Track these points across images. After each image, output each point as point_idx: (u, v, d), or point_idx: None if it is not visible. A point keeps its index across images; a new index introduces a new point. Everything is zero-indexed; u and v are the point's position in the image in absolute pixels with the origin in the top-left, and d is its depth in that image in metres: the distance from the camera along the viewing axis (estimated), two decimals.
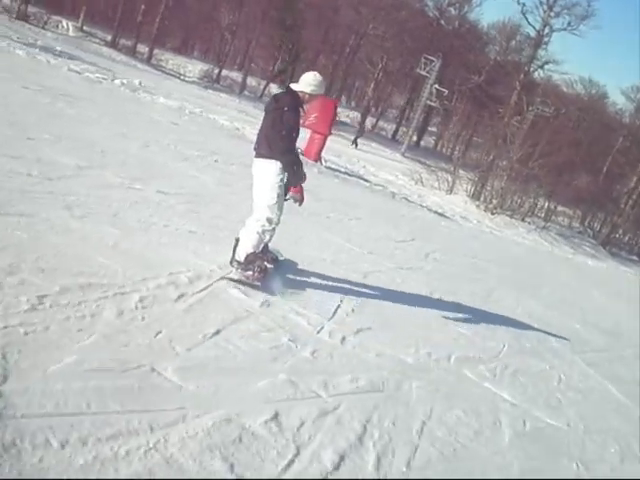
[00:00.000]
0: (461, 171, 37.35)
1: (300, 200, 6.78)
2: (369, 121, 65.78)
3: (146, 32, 57.75)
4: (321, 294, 7.21)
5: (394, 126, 70.22)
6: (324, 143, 22.15)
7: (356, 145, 45.16)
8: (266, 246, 6.90)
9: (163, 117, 18.79)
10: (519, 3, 56.83)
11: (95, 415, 3.62)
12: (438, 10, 68.48)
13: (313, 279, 7.66)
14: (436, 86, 57.98)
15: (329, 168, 22.31)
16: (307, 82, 6.63)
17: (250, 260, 6.61)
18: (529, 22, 57.72)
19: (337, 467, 4.02)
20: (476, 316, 8.90)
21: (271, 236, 6.73)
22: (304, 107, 6.75)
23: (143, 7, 55.58)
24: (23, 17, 44.75)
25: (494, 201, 33.91)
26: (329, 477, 3.94)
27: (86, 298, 4.91)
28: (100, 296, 5.02)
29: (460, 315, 8.57)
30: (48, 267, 5.20)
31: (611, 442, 6.40)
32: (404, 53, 62.74)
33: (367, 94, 67.98)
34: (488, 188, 35.31)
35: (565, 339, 9.71)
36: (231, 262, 6.73)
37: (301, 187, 6.75)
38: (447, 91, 59.78)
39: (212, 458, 3.65)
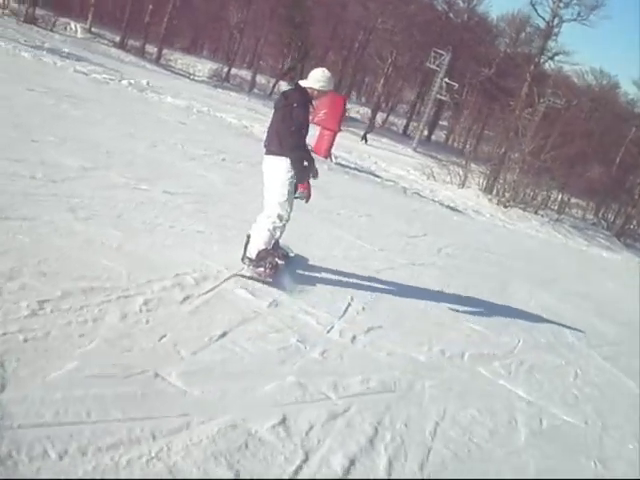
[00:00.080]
0: (473, 165, 37.21)
1: (307, 197, 6.80)
2: (379, 116, 65.66)
3: (154, 32, 57.73)
4: (331, 292, 7.08)
5: (405, 121, 70.02)
6: (334, 139, 22.01)
7: (366, 141, 45.01)
8: (277, 242, 6.94)
9: (170, 117, 18.68)
10: None
11: (95, 424, 3.51)
12: (447, 3, 68.38)
13: (323, 277, 7.54)
14: (446, 80, 57.81)
15: (339, 164, 22.18)
16: (316, 78, 6.64)
17: (261, 257, 6.63)
18: (538, 13, 57.37)
19: (347, 472, 3.89)
20: (490, 311, 8.77)
21: (282, 232, 6.77)
22: (313, 103, 6.76)
23: (151, 7, 55.56)
24: (31, 20, 44.81)
25: (507, 194, 33.71)
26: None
27: (88, 302, 4.79)
28: (103, 300, 4.91)
29: (473, 311, 8.43)
30: (50, 271, 5.09)
31: (629, 438, 6.25)
32: (413, 47, 62.42)
33: (377, 89, 67.80)
34: (500, 181, 35.11)
35: (580, 333, 9.57)
36: (243, 259, 6.74)
37: (308, 184, 6.77)
38: (457, 85, 59.60)
39: (217, 466, 3.53)
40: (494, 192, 34.53)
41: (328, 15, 63.91)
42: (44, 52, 28.05)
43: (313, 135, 18.28)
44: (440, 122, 74.73)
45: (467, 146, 59.26)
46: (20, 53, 23.05)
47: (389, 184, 23.22)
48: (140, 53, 53.74)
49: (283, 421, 4.15)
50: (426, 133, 66.02)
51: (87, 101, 15.73)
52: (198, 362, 4.54)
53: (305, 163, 6.60)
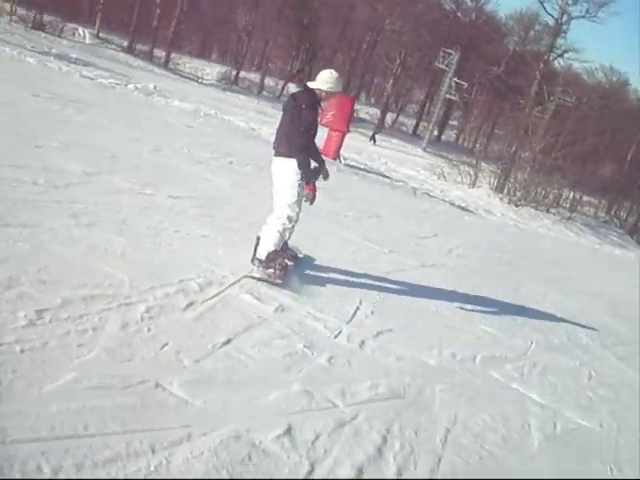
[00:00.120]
0: (483, 164, 36.99)
1: (311, 199, 6.78)
2: (389, 117, 65.58)
3: (162, 37, 57.89)
4: (339, 295, 6.96)
5: (414, 121, 69.88)
6: (342, 140, 21.86)
7: (374, 141, 44.87)
8: (286, 243, 7.00)
9: (177, 120, 18.57)
10: None
11: (93, 437, 3.40)
12: (455, 2, 68.28)
13: (331, 280, 7.42)
14: (455, 79, 57.60)
15: (348, 165, 22.03)
16: (324, 80, 6.67)
17: (271, 258, 6.66)
18: (547, 11, 57.15)
19: None
20: (502, 312, 8.64)
21: (290, 233, 6.80)
22: (322, 105, 6.81)
23: (158, 12, 55.64)
24: (39, 26, 44.94)
25: (518, 193, 33.53)
26: None
27: (89, 311, 4.69)
28: (104, 308, 4.81)
29: (485, 312, 8.30)
30: (50, 279, 4.99)
31: None
32: (422, 47, 62.29)
33: (386, 90, 67.69)
34: (511, 180, 34.94)
35: (594, 333, 9.42)
36: (252, 260, 6.76)
37: (314, 185, 6.74)
38: (466, 84, 59.41)
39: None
40: (505, 191, 34.36)
41: (336, 16, 63.94)
42: (51, 58, 28.04)
43: (321, 136, 18.13)
44: (450, 122, 74.54)
45: (477, 145, 59.04)
46: (25, 59, 22.96)
47: (399, 185, 23.05)
48: (148, 57, 53.79)
49: (288, 431, 4.03)
50: (436, 133, 65.83)
51: (92, 106, 15.64)
52: (201, 371, 4.43)
53: (312, 165, 6.61)
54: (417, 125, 68.59)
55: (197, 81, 53.00)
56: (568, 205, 37.52)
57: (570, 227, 32.02)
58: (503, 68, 62.71)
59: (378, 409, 4.73)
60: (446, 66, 57.00)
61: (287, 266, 6.88)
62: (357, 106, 51.75)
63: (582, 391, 6.82)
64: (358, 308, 6.73)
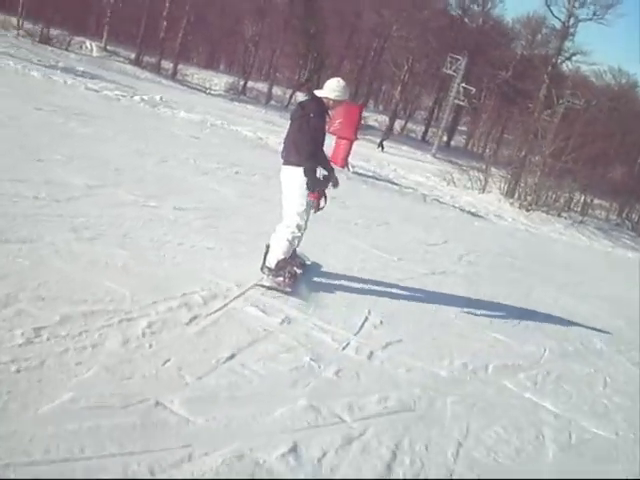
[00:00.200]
0: (493, 169, 36.84)
1: (315, 207, 6.69)
2: (398, 124, 65.51)
3: (170, 48, 58.05)
4: (347, 306, 6.83)
5: (423, 128, 69.78)
6: (350, 148, 21.78)
7: (382, 148, 44.75)
8: (294, 251, 6.99)
9: (183, 131, 18.48)
10: None
11: (89, 460, 3.28)
12: (461, 8, 68.32)
13: (339, 290, 7.29)
14: (463, 85, 57.46)
15: (356, 173, 21.93)
16: (331, 88, 6.71)
17: (281, 266, 6.67)
18: (554, 14, 57.00)
19: None
20: (514, 319, 8.47)
21: (299, 241, 6.83)
22: (330, 113, 6.85)
23: (165, 23, 55.80)
24: (46, 40, 45.12)
25: (528, 198, 33.37)
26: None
27: (88, 327, 4.58)
28: (104, 324, 4.69)
29: (497, 319, 8.16)
30: (49, 295, 4.88)
31: None
32: (429, 53, 62.30)
33: (394, 97, 67.62)
34: (522, 185, 34.79)
35: (609, 338, 9.24)
36: (262, 268, 6.76)
37: (320, 194, 6.67)
38: (475, 89, 59.24)
39: None
40: (516, 196, 34.21)
41: (343, 24, 63.99)
42: (57, 71, 28.01)
43: (329, 145, 18.03)
44: (459, 127, 74.42)
45: (487, 150, 58.79)
46: (29, 72, 22.91)
47: (408, 191, 22.94)
48: (156, 69, 53.94)
49: (294, 449, 3.90)
50: (445, 139, 65.74)
51: (97, 118, 15.58)
52: (203, 387, 4.31)
53: (322, 173, 6.69)
54: (426, 131, 68.51)
55: (205, 92, 53.08)
56: (579, 209, 37.31)
57: (582, 231, 31.82)
58: (511, 72, 62.55)
59: (387, 423, 4.59)
60: (454, 72, 56.90)
61: (296, 274, 6.88)
62: (365, 113, 51.74)
63: (597, 399, 6.65)
64: (367, 318, 6.59)
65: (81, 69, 33.00)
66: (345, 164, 21.42)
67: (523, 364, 6.83)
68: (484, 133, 73.21)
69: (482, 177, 35.49)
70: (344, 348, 5.68)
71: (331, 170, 6.91)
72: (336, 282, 7.53)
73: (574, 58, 60.24)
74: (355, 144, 22.64)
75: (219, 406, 4.13)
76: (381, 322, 6.62)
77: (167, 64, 56.80)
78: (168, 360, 4.47)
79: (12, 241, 5.73)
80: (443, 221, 18.00)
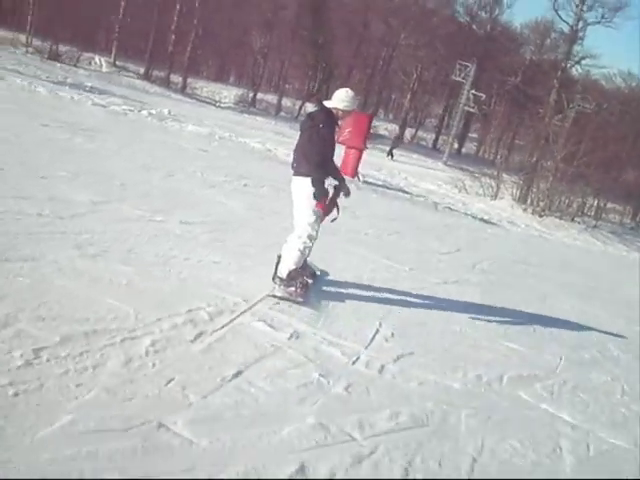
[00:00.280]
0: (505, 175, 36.67)
1: (321, 217, 6.70)
2: (408, 132, 65.51)
3: (179, 62, 58.23)
4: (358, 318, 6.69)
5: (434, 135, 69.70)
6: (360, 158, 21.67)
7: (392, 156, 44.63)
8: (305, 261, 6.99)
9: (191, 144, 18.39)
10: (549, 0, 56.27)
11: None
12: (469, 15, 68.38)
13: (349, 302, 7.17)
14: (473, 91, 57.32)
15: (367, 183, 21.81)
16: (340, 98, 6.74)
17: (292, 276, 6.70)
18: (562, 18, 57.12)
19: None
20: (529, 327, 8.34)
21: (310, 251, 6.87)
22: (339, 123, 6.93)
23: (173, 37, 55.99)
24: (55, 57, 45.29)
25: (541, 203, 33.15)
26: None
27: (90, 347, 4.46)
28: (106, 343, 4.57)
29: (511, 328, 8.00)
30: (49, 315, 4.77)
31: None
32: (438, 61, 62.35)
33: (404, 105, 67.62)
34: (534, 190, 34.56)
35: (625, 345, 9.05)
36: (273, 279, 6.79)
37: (325, 204, 6.67)
38: (484, 95, 59.10)
39: None
40: (528, 202, 34.00)
41: (350, 34, 64.03)
42: (66, 87, 27.98)
43: (339, 154, 17.92)
44: (470, 134, 74.32)
45: (498, 157, 58.63)
46: (36, 89, 22.86)
47: (419, 200, 22.80)
48: (165, 83, 54.06)
49: (301, 469, 3.77)
50: (456, 146, 65.56)
51: (103, 133, 15.51)
52: (208, 407, 4.18)
53: (326, 184, 6.64)
54: (437, 139, 68.41)
55: (215, 105, 53.09)
56: (593, 213, 37.03)
57: (596, 235, 31.56)
58: (520, 78, 62.40)
59: (399, 440, 4.44)
60: (463, 79, 56.78)
61: (308, 284, 6.91)
62: (376, 122, 51.66)
63: (615, 408, 6.47)
64: (377, 331, 6.47)
65: (89, 85, 33.02)
66: (355, 174, 21.30)
67: (539, 374, 6.67)
68: (495, 139, 73.01)
69: (494, 183, 35.31)
70: (354, 362, 5.55)
71: (342, 180, 6.97)
72: (346, 294, 7.42)
73: (583, 62, 60.28)
74: (365, 153, 22.54)
75: (224, 426, 4.00)
76: (392, 334, 6.49)
77: (176, 78, 56.94)
78: (172, 379, 4.35)
79: (13, 260, 5.63)
80: (455, 229, 17.82)
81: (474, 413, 5.22)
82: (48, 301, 4.98)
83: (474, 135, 76.84)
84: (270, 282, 6.81)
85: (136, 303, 5.37)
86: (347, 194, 6.94)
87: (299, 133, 6.86)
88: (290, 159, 6.96)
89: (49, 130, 13.51)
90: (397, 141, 48.55)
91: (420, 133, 70.18)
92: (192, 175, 12.84)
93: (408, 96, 65.06)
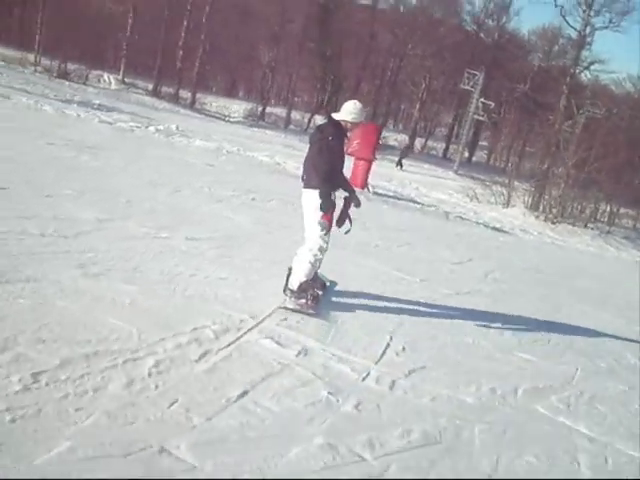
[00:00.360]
0: (516, 183, 36.50)
1: (327, 228, 6.65)
2: (418, 142, 65.51)
3: (187, 78, 58.49)
4: (367, 333, 6.54)
5: (444, 144, 69.63)
6: (369, 169, 21.59)
7: (401, 166, 44.57)
8: (315, 273, 7.00)
9: (198, 159, 18.33)
10: (556, 6, 56.18)
11: None
12: (476, 24, 68.40)
13: (359, 316, 7.04)
14: (482, 99, 57.26)
15: (377, 194, 21.71)
16: (348, 111, 6.78)
17: (303, 288, 6.76)
18: (569, 24, 57.05)
19: None
20: (543, 338, 8.15)
21: (320, 263, 6.89)
22: (348, 135, 6.99)
23: (181, 53, 56.22)
24: (63, 75, 45.56)
25: (554, 210, 33.00)
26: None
27: (91, 369, 4.34)
28: (107, 365, 4.45)
29: (525, 339, 7.84)
30: (50, 337, 4.66)
31: None
32: (446, 70, 62.52)
33: (413, 115, 67.62)
34: (546, 197, 34.44)
35: None
36: (284, 291, 6.84)
37: (331, 216, 6.67)
38: (494, 103, 59.11)
39: None
40: (540, 209, 33.86)
41: (358, 45, 64.25)
42: (74, 105, 28.13)
43: (348, 166, 17.83)
44: (480, 142, 74.12)
45: (509, 164, 58.43)
46: (42, 107, 22.88)
47: (430, 210, 22.68)
48: (174, 99, 54.28)
49: None
50: (467, 155, 65.52)
51: (109, 150, 15.48)
52: (212, 429, 4.04)
53: (333, 197, 6.64)
54: (447, 148, 68.39)
55: (224, 119, 53.21)
56: (605, 219, 36.78)
57: (609, 241, 31.33)
58: (529, 85, 62.30)
59: (411, 458, 4.29)
60: (472, 87, 56.76)
61: (319, 296, 6.91)
62: (386, 133, 51.69)
63: (633, 418, 6.27)
64: (388, 345, 6.32)
65: (97, 102, 33.13)
66: (365, 185, 21.21)
67: (554, 385, 6.50)
68: (505, 147, 72.78)
69: (505, 191, 35.19)
70: (364, 379, 5.40)
71: (352, 191, 7.03)
72: (356, 307, 7.29)
73: (592, 67, 60.10)
74: (375, 164, 22.50)
75: (229, 449, 3.87)
76: (403, 348, 6.34)
77: (185, 93, 57.18)
78: (175, 401, 4.22)
79: (14, 281, 5.52)
80: (467, 238, 17.68)
81: (488, 428, 5.07)
82: (49, 323, 4.87)
83: (484, 143, 76.62)
84: (278, 297, 6.75)
85: (139, 323, 5.26)
86: (357, 205, 6.95)
87: (308, 146, 6.86)
88: (299, 172, 6.97)
89: (55, 148, 13.46)
90: (406, 151, 48.55)
91: (430, 143, 70.22)
92: (199, 190, 12.76)
93: (417, 106, 65.21)
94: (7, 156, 11.30)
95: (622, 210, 39.97)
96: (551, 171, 36.66)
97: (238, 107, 62.59)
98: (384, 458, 4.19)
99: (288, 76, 67.86)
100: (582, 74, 60.84)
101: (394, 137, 63.54)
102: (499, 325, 8.12)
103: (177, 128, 27.12)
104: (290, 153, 29.49)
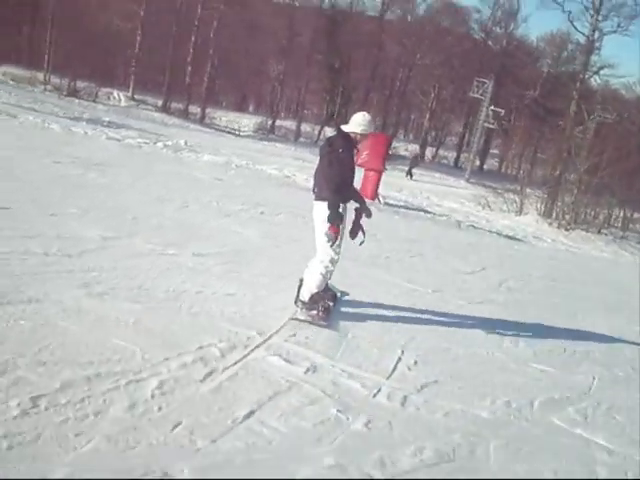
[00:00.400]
0: (528, 190, 36.33)
1: (332, 240, 6.55)
2: (429, 151, 65.49)
3: (197, 93, 58.68)
4: (378, 347, 6.42)
5: (455, 153, 69.57)
6: (379, 180, 21.44)
7: (411, 176, 44.48)
8: (326, 284, 7.00)
9: (206, 174, 18.21)
10: (564, 11, 56.09)
11: None
12: (484, 31, 68.35)
13: (369, 329, 6.91)
14: (492, 107, 57.17)
15: (388, 204, 21.57)
16: (357, 122, 6.83)
17: (315, 300, 6.78)
18: (577, 29, 56.93)
19: None
20: (559, 347, 7.98)
21: (331, 274, 6.90)
22: (357, 147, 6.99)
23: (190, 69, 56.42)
24: (73, 93, 45.72)
25: (567, 216, 32.80)
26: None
27: (92, 392, 4.24)
28: (109, 387, 4.34)
29: (541, 349, 7.67)
30: (51, 359, 4.56)
31: None
32: (455, 79, 62.56)
33: (424, 125, 67.63)
34: (559, 204, 34.24)
35: None
36: (295, 302, 6.88)
37: (338, 228, 6.56)
38: (504, 111, 59.01)
39: None
40: (553, 216, 33.66)
41: (366, 57, 64.24)
42: (83, 123, 28.13)
43: (358, 177, 17.71)
44: (491, 150, 73.99)
45: (521, 171, 58.23)
46: (49, 126, 22.82)
47: (442, 219, 22.51)
48: (184, 115, 54.34)
49: None
50: (478, 163, 65.40)
51: (117, 167, 15.39)
52: (217, 452, 3.92)
53: (342, 209, 6.66)
54: (458, 157, 68.39)
55: (235, 134, 53.27)
56: (620, 224, 36.51)
57: (624, 247, 31.06)
58: (539, 91, 62.25)
59: (424, 477, 4.14)
60: (481, 95, 56.70)
61: (330, 307, 6.91)
62: (396, 143, 51.69)
63: None
64: (400, 359, 6.18)
65: (107, 119, 33.19)
66: (375, 196, 21.06)
67: (571, 396, 6.34)
68: (517, 154, 72.57)
69: (518, 199, 35.02)
70: (375, 395, 5.26)
71: (362, 202, 7.05)
72: (367, 321, 7.17)
73: (602, 72, 59.96)
74: (385, 175, 22.34)
75: (234, 473, 3.74)
76: (415, 362, 6.20)
77: (195, 109, 57.27)
78: (179, 424, 4.10)
79: (15, 302, 5.42)
80: (479, 247, 17.50)
81: (504, 444, 4.91)
82: (50, 345, 4.77)
83: (495, 151, 76.47)
84: (286, 312, 6.68)
85: (143, 342, 5.15)
86: (368, 215, 6.98)
87: (318, 158, 6.88)
88: (310, 184, 6.96)
89: (61, 166, 13.38)
90: (415, 160, 48.44)
91: (441, 152, 70.19)
92: (207, 205, 12.68)
93: (427, 115, 65.28)
94: (12, 175, 11.27)
95: (636, 215, 39.68)
96: (563, 177, 36.50)
97: (248, 121, 62.61)
98: (396, 478, 4.05)
99: (297, 89, 68.02)
100: (592, 79, 60.75)
101: (405, 147, 63.50)
102: (513, 335, 7.97)
103: (186, 143, 27.06)
104: (300, 165, 29.42)
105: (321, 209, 6.60)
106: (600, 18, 54.26)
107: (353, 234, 6.88)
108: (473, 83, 56.98)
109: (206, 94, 58.85)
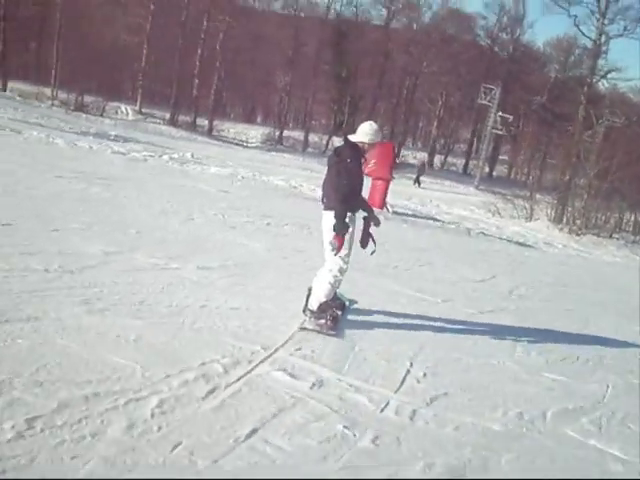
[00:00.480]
0: (538, 195, 36.23)
1: (337, 249, 6.50)
2: (438, 159, 65.46)
3: (204, 105, 58.84)
4: (386, 359, 6.28)
5: (464, 160, 69.47)
6: (387, 188, 21.31)
7: (419, 184, 44.40)
8: (335, 293, 7.03)
9: (212, 186, 18.10)
10: (570, 16, 56.01)
11: None
12: (490, 38, 68.34)
13: (377, 341, 6.77)
14: (500, 113, 57.10)
15: (396, 213, 21.44)
16: (364, 132, 6.85)
17: (323, 309, 6.80)
18: (584, 33, 57.04)
19: None
20: (572, 355, 7.82)
21: (340, 284, 6.92)
22: (365, 156, 7.01)
23: (197, 81, 56.59)
24: (80, 108, 45.88)
25: (577, 222, 32.63)
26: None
27: (89, 412, 4.11)
28: (108, 407, 4.22)
29: (553, 358, 7.52)
30: (48, 379, 4.43)
31: None
32: (462, 86, 62.65)
33: (432, 132, 67.61)
34: (569, 209, 34.08)
35: None
36: (304, 311, 6.90)
37: (343, 238, 6.53)
38: (512, 116, 58.94)
39: None
40: (564, 221, 33.51)
41: (373, 66, 64.46)
42: (89, 137, 28.13)
43: (366, 186, 17.60)
44: (500, 156, 73.85)
45: (530, 177, 58.10)
46: (54, 141, 22.77)
47: (451, 227, 22.37)
48: (191, 127, 54.47)
49: None
50: (487, 169, 65.32)
51: (121, 181, 15.28)
52: (218, 473, 3.78)
53: (347, 219, 6.60)
54: (467, 164, 68.33)
55: (242, 145, 53.33)
56: (631, 228, 36.30)
57: (636, 251, 30.83)
58: (547, 96, 62.25)
59: None
60: (489, 102, 56.72)
61: (338, 317, 6.92)
62: (404, 151, 51.64)
63: None
64: (408, 371, 6.04)
65: (114, 133, 33.18)
66: (383, 205, 20.93)
67: (585, 406, 6.18)
68: (526, 160, 72.44)
69: (527, 205, 34.88)
70: (383, 410, 5.11)
71: (370, 211, 7.10)
72: (375, 332, 7.06)
73: (609, 76, 59.98)
74: (393, 183, 22.22)
75: None
76: (424, 374, 6.06)
77: (203, 121, 57.40)
78: (179, 444, 3.97)
79: (13, 320, 5.29)
80: (490, 255, 17.35)
81: (516, 457, 4.77)
82: (47, 364, 4.65)
83: (504, 157, 76.32)
84: (292, 325, 6.58)
85: (144, 360, 5.03)
86: (377, 224, 7.00)
87: (326, 168, 6.90)
88: (315, 194, 6.87)
89: (64, 181, 13.29)
90: (422, 168, 48.40)
91: (450, 159, 70.20)
92: (212, 218, 12.58)
93: (435, 123, 65.40)
94: (15, 190, 11.20)
95: None
96: (573, 182, 36.36)
97: (256, 132, 62.69)
98: None
99: (304, 99, 68.08)
100: (599, 83, 60.80)
101: (413, 155, 63.50)
102: (525, 344, 7.82)
103: (192, 156, 27.01)
104: (308, 176, 29.37)
105: (330, 219, 6.59)
106: (606, 22, 54.29)
107: (364, 243, 6.90)
108: (480, 90, 57.07)
109: (213, 106, 59.03)
